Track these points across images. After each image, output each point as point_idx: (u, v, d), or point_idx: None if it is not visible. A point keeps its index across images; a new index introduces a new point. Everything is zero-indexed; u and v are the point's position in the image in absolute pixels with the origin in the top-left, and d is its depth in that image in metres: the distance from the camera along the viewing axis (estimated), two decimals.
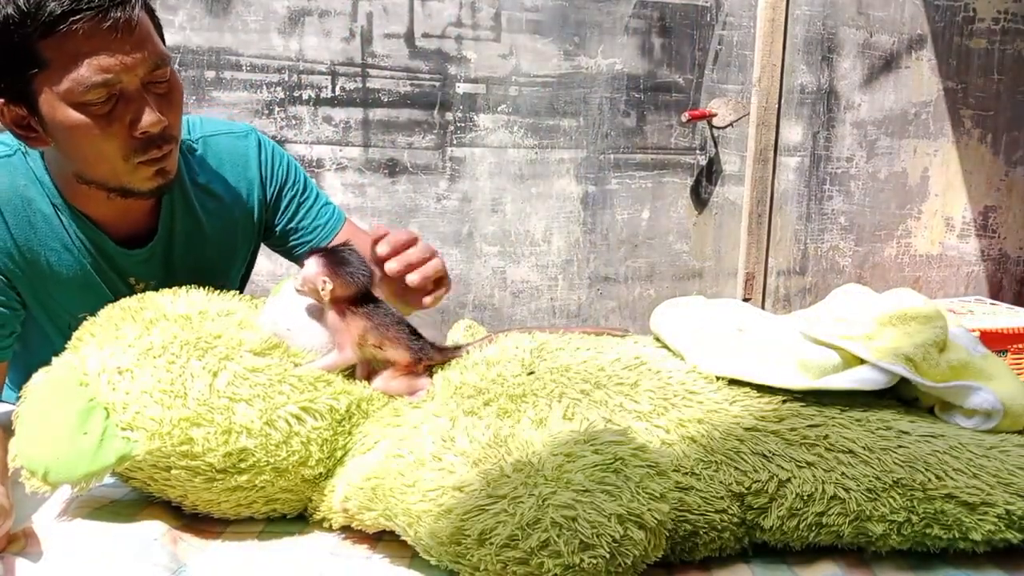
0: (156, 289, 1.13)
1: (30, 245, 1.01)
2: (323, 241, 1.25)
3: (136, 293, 1.11)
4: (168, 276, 1.13)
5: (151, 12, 0.95)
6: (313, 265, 0.87)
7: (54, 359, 0.82)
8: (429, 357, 0.90)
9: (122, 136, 0.92)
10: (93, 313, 1.09)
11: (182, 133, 1.15)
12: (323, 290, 0.86)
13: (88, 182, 0.98)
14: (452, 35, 2.35)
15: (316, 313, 0.89)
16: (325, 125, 2.30)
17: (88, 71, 0.86)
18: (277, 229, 1.24)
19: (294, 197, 1.24)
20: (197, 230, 1.14)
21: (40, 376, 0.80)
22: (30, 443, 0.74)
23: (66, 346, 0.85)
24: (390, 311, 0.90)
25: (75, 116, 0.89)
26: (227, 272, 1.22)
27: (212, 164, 1.16)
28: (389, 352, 0.88)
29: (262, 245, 1.29)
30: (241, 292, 1.29)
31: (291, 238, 1.25)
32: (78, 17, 0.83)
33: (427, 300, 1.02)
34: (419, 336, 0.91)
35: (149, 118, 0.91)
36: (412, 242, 0.96)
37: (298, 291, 0.89)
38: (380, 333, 0.87)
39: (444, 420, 0.79)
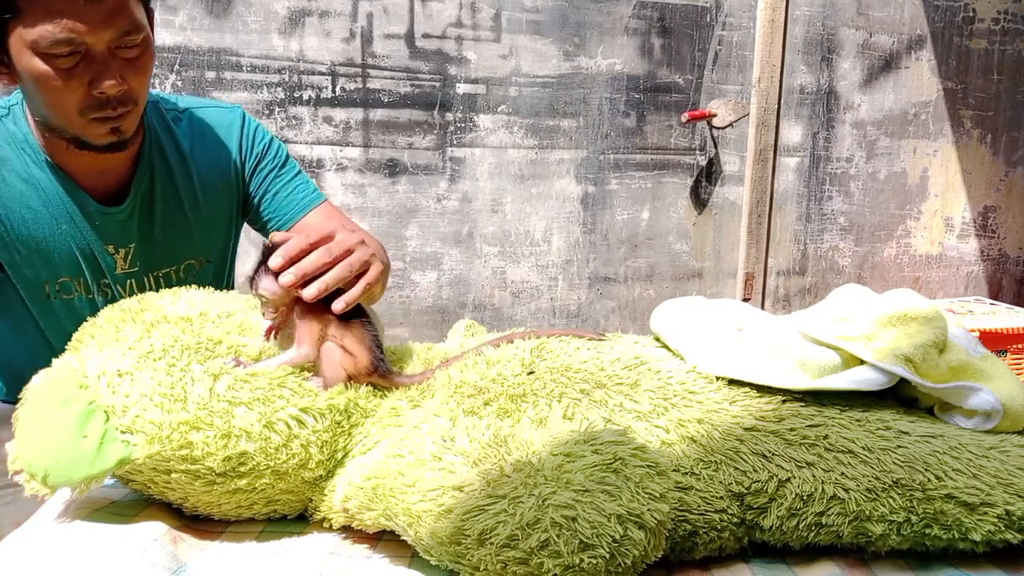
0: (135, 257, 1.14)
1: (2, 201, 1.05)
2: (294, 218, 1.24)
3: (115, 261, 1.12)
4: (146, 242, 1.14)
5: None
6: (270, 281, 0.81)
7: (54, 360, 0.82)
8: (384, 373, 0.86)
9: (80, 92, 0.96)
10: (70, 278, 1.10)
11: (171, 105, 1.18)
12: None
13: (50, 129, 1.02)
14: (452, 35, 2.35)
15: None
16: (325, 125, 2.30)
17: (55, 28, 0.90)
18: (252, 203, 1.25)
19: (270, 173, 1.24)
20: (176, 196, 1.16)
21: (40, 378, 0.80)
22: (30, 445, 0.74)
23: (65, 346, 0.85)
24: (360, 310, 0.86)
25: (39, 65, 0.93)
26: (209, 243, 1.23)
27: (196, 134, 1.18)
28: (349, 346, 0.84)
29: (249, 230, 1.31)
30: (229, 270, 1.32)
31: (264, 214, 1.25)
32: None
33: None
34: (381, 348, 0.86)
35: (108, 81, 0.96)
36: (308, 249, 0.82)
37: (267, 314, 0.83)
38: (342, 327, 0.84)
39: (444, 420, 0.79)
